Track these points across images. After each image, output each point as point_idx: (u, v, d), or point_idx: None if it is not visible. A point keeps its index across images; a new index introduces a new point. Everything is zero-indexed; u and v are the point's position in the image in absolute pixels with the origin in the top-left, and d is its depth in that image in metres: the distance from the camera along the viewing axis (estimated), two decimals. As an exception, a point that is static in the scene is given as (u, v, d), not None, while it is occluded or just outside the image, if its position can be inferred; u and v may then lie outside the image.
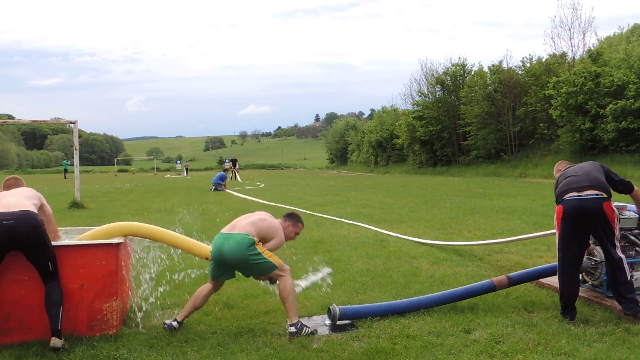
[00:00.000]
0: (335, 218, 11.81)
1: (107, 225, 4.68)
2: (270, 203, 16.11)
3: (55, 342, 3.90)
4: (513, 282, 5.03)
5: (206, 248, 4.67)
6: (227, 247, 4.18)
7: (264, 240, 4.32)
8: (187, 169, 55.87)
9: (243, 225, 4.31)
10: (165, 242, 4.80)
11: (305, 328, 4.21)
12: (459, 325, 4.33)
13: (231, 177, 34.84)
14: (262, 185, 28.82)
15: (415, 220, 11.40)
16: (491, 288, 4.94)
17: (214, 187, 23.04)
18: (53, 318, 3.95)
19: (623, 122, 26.01)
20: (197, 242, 4.84)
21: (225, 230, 4.37)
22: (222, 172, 25.36)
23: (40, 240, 3.96)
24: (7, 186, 4.58)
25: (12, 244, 3.89)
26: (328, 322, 4.53)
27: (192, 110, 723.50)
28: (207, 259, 4.59)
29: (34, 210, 4.07)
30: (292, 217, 4.67)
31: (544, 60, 36.09)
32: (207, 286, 4.49)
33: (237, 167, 37.27)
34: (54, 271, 4.04)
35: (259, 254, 4.17)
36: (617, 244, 4.52)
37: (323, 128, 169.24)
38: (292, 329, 4.20)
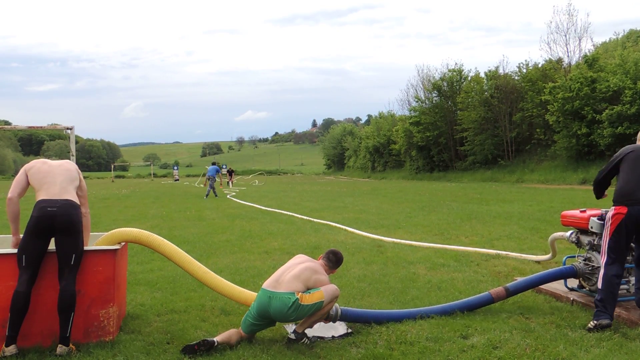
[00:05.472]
0: (332, 223, 11.79)
1: (118, 229, 4.62)
2: (268, 208, 16.11)
3: (62, 349, 3.88)
4: (511, 292, 4.98)
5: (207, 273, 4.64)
6: (273, 307, 4.09)
7: (312, 287, 4.23)
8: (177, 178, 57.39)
9: (288, 280, 4.19)
10: (166, 255, 4.71)
11: (305, 339, 4.19)
12: (457, 331, 4.32)
13: (228, 182, 35.03)
14: (258, 183, 28.80)
15: (413, 225, 11.41)
16: (489, 301, 4.90)
17: (208, 186, 23.25)
18: (63, 323, 3.92)
19: (619, 128, 26.14)
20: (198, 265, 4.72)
21: (269, 286, 4.21)
22: (215, 166, 24.86)
23: (74, 229, 4.06)
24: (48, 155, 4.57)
25: (52, 230, 4.02)
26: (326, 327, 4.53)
27: (190, 116, 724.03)
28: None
29: (75, 197, 4.23)
30: (335, 261, 4.60)
31: (540, 65, 36.32)
32: (239, 333, 4.28)
33: (232, 177, 37.37)
34: (75, 265, 4.04)
35: (304, 306, 4.08)
36: None
37: (320, 134, 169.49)
38: (292, 336, 4.19)
